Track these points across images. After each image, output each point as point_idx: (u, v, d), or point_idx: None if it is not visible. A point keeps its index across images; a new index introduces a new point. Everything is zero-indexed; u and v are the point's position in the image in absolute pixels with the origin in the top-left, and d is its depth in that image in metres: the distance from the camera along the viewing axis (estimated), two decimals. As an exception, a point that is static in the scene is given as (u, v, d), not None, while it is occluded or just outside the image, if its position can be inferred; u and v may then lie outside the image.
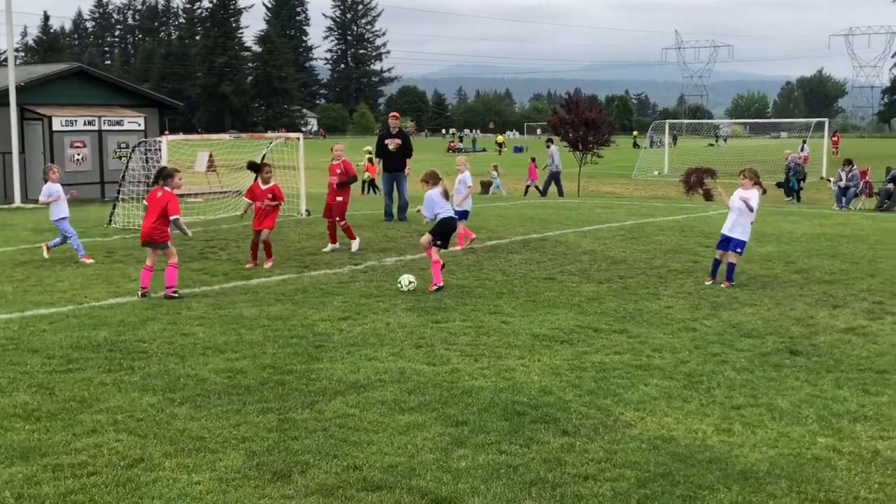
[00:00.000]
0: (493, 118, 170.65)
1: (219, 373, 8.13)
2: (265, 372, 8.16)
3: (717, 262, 12.71)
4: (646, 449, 6.26)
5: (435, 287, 12.01)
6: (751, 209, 12.45)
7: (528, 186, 34.40)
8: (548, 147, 34.46)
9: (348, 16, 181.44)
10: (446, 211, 12.51)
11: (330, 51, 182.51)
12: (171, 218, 11.96)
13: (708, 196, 32.12)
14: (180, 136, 25.69)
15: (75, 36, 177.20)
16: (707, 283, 12.53)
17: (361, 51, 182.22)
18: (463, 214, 16.24)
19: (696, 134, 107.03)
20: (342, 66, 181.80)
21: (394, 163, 19.64)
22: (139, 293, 11.80)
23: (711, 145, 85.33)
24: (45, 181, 15.64)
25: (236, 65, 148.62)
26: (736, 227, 12.54)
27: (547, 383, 7.76)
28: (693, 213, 22.28)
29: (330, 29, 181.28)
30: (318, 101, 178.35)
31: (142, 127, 29.09)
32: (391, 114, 21.01)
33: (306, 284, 12.62)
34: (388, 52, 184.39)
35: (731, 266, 12.48)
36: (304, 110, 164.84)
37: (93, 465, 5.94)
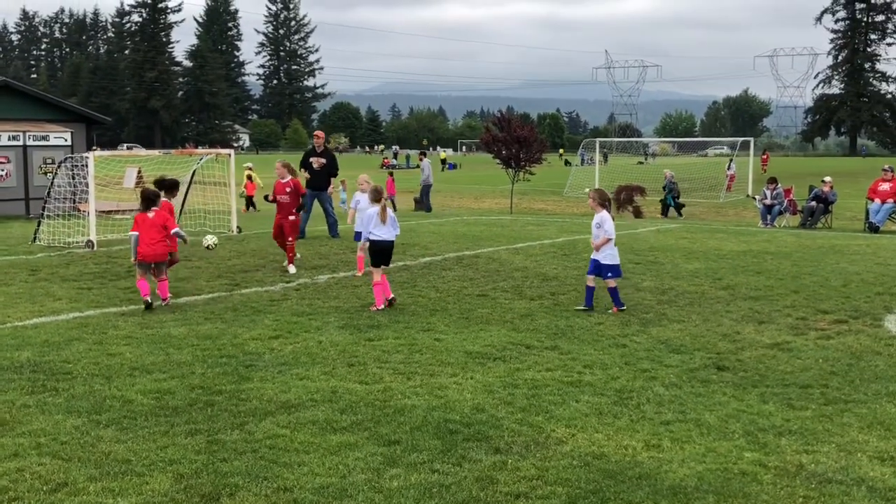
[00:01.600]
0: (426, 135, 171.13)
1: (146, 394, 7.98)
2: (193, 392, 8.02)
3: (590, 289, 12.01)
4: (577, 466, 6.29)
5: (375, 308, 11.93)
6: (606, 232, 11.96)
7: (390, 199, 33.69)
8: (420, 161, 35.27)
9: (281, 31, 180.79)
10: (378, 233, 12.25)
11: (262, 66, 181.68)
12: (172, 232, 12.55)
13: (637, 213, 32.61)
14: (108, 152, 25.20)
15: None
16: (578, 308, 11.94)
17: (294, 66, 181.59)
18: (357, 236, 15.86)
19: (626, 152, 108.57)
20: (275, 81, 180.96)
21: (317, 181, 19.97)
22: (147, 304, 11.95)
23: (641, 163, 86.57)
24: None
25: (166, 79, 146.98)
26: (602, 251, 11.98)
27: (479, 401, 7.77)
28: (623, 230, 22.53)
29: (262, 44, 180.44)
30: (250, 117, 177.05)
31: (69, 142, 28.48)
32: (315, 133, 21.36)
33: (237, 302, 12.47)
34: (321, 69, 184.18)
35: (612, 291, 11.89)
36: (236, 126, 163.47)
37: (14, 489, 5.78)
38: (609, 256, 11.98)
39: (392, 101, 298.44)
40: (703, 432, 7.07)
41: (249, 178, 32.25)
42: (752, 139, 52.79)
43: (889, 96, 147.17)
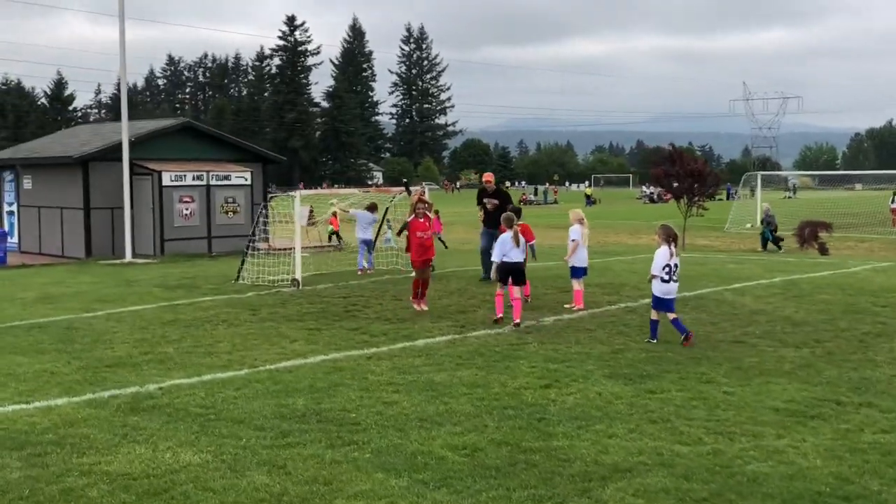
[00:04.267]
0: (556, 170, 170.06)
1: (453, 449, 7.41)
2: (503, 449, 7.42)
3: (655, 323, 12.32)
4: None
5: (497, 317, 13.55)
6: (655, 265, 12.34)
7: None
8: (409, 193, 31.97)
9: (413, 71, 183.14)
10: (510, 255, 13.53)
11: (395, 105, 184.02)
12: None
13: (823, 250, 30.91)
14: (310, 191, 25.28)
15: (147, 93, 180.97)
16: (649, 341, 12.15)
17: (426, 105, 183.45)
18: (575, 272, 15.26)
19: (769, 186, 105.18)
20: (407, 120, 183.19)
21: (492, 221, 18.69)
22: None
23: (788, 198, 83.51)
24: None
25: (305, 120, 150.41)
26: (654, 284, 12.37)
27: (835, 469, 6.89)
28: (837, 268, 21.20)
29: (395, 84, 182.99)
30: (383, 155, 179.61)
31: (248, 182, 28.87)
32: (485, 175, 20.06)
33: (477, 346, 11.90)
34: (451, 106, 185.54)
35: (675, 322, 12.23)
36: (370, 164, 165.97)
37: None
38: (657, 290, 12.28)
39: (518, 137, 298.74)
40: None
41: (334, 214, 32.18)
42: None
43: None
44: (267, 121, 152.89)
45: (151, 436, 7.88)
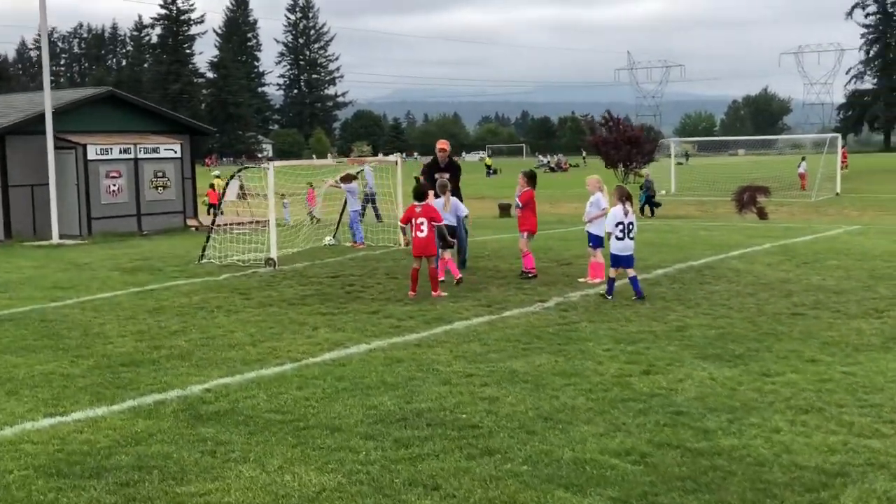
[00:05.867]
0: (448, 141, 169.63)
1: (616, 455, 6.39)
2: (672, 453, 6.43)
3: (612, 281, 12.78)
4: None
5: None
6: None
7: (310, 213, 27.03)
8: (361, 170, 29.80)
9: (300, 41, 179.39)
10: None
11: (282, 76, 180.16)
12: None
13: (762, 215, 30.85)
14: (286, 162, 23.53)
15: (19, 65, 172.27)
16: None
17: (314, 75, 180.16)
18: (596, 240, 14.36)
19: (659, 154, 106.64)
20: (295, 91, 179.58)
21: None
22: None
23: (680, 164, 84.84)
24: None
25: (191, 91, 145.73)
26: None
27: None
28: (815, 233, 20.96)
29: (282, 54, 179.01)
30: (271, 127, 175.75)
31: (178, 154, 26.99)
32: (439, 143, 16.84)
33: (524, 327, 10.88)
34: (341, 77, 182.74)
35: (633, 280, 12.75)
36: (260, 136, 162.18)
37: None
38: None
39: (406, 108, 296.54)
40: None
41: (212, 186, 30.82)
42: (839, 136, 50.86)
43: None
44: (149, 92, 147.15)
45: (247, 452, 6.60)
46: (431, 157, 17.55)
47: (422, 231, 13.32)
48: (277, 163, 17.93)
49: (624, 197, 12.74)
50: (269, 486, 5.94)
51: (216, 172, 33.98)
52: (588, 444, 6.64)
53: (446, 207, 14.55)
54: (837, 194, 43.88)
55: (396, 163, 19.40)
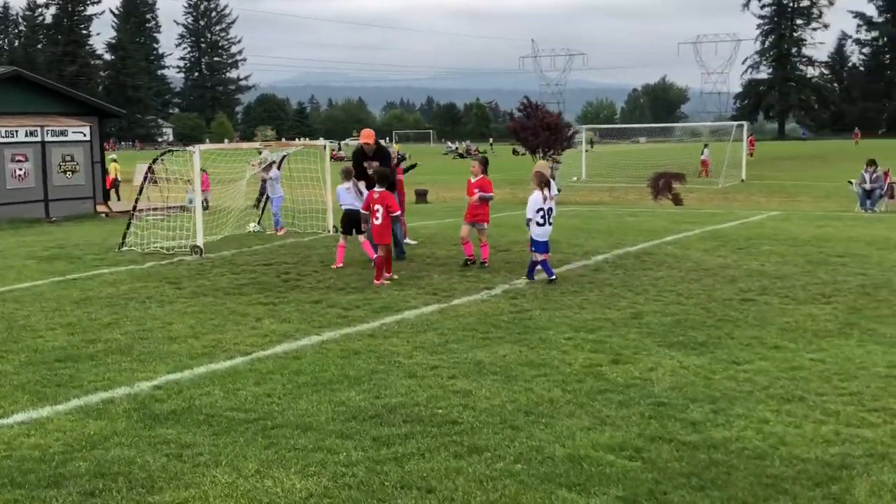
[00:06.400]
0: (355, 126, 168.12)
1: (610, 450, 6.13)
2: (667, 447, 6.20)
3: (534, 264, 12.86)
4: None
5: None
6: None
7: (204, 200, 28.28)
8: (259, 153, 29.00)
9: (201, 23, 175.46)
10: (353, 205, 14.13)
11: (183, 58, 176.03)
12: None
13: (677, 201, 31.26)
14: (213, 146, 22.55)
15: None
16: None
17: (216, 58, 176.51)
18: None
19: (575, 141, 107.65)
20: (196, 73, 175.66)
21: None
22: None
23: (587, 150, 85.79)
24: None
25: (88, 73, 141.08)
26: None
27: None
28: (738, 219, 21.18)
29: (182, 36, 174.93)
30: (171, 111, 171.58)
31: (87, 137, 25.81)
32: (363, 132, 15.86)
33: (477, 316, 10.57)
34: (244, 60, 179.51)
35: (544, 263, 12.78)
36: (160, 120, 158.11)
37: None
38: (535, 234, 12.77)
39: (309, 93, 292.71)
40: None
41: (106, 171, 30.08)
42: (745, 123, 51.93)
43: (815, 80, 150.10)
44: (44, 74, 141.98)
45: (217, 455, 6.12)
46: (357, 146, 16.82)
47: (377, 218, 13.01)
48: (204, 146, 17.17)
49: (543, 183, 12.86)
50: (251, 492, 5.49)
51: (113, 156, 32.84)
52: (577, 439, 6.36)
53: (357, 191, 14.42)
54: (743, 181, 44.82)
55: (324, 147, 18.82)
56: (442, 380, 7.93)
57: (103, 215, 25.97)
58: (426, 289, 12.45)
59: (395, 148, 25.07)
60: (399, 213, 13.29)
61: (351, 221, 14.16)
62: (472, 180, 14.39)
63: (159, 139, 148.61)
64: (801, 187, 39.43)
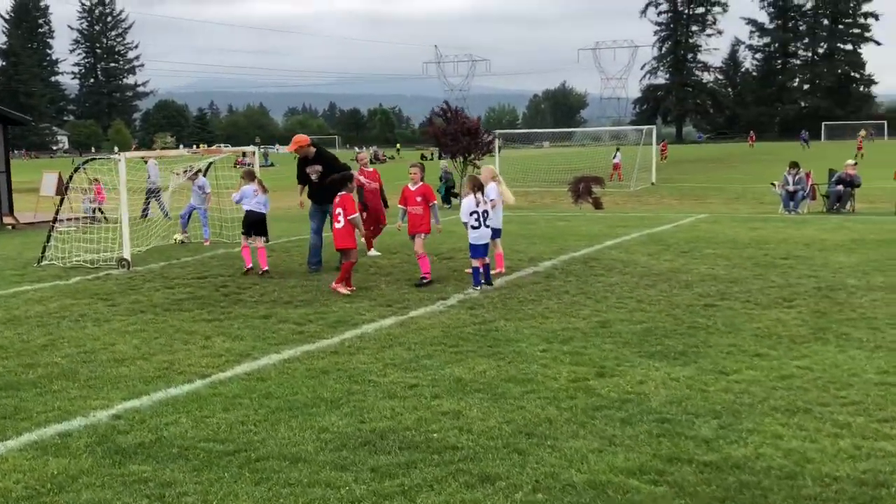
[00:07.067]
0: (258, 133, 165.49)
1: (629, 474, 5.73)
2: (687, 468, 5.84)
3: (477, 270, 12.64)
4: None
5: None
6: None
7: (97, 210, 25.09)
8: (145, 162, 25.33)
9: (97, 28, 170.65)
10: (254, 206, 14.41)
11: (77, 64, 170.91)
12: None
13: (598, 205, 31.25)
14: (137, 153, 21.35)
15: None
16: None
17: (112, 64, 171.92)
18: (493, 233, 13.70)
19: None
20: (92, 80, 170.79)
21: (322, 194, 14.48)
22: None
23: (491, 154, 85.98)
24: None
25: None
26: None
27: None
28: (671, 222, 21.17)
29: (77, 41, 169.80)
30: (66, 118, 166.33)
31: (-9, 145, 24.46)
32: (295, 139, 14.96)
33: (440, 328, 10.10)
34: (141, 66, 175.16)
35: (485, 268, 12.74)
36: (54, 127, 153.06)
37: None
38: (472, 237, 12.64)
39: (209, 99, 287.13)
40: None
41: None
42: (654, 127, 52.58)
43: (710, 85, 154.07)
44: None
45: (206, 495, 5.51)
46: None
47: (339, 222, 12.55)
48: (129, 154, 16.22)
49: (476, 187, 12.73)
50: (255, 539, 4.91)
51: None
52: (592, 462, 5.94)
53: (258, 194, 14.53)
54: (653, 184, 45.34)
55: (254, 153, 18.07)
56: (426, 400, 7.43)
57: (10, 227, 24.67)
58: (378, 300, 11.93)
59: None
60: (356, 215, 12.65)
61: (252, 223, 14.37)
62: (412, 188, 13.55)
63: (54, 147, 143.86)
64: (709, 189, 40.00)
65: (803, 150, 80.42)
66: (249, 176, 14.93)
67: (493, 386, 7.79)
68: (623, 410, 7.03)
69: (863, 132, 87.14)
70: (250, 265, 14.29)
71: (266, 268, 14.16)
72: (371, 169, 16.41)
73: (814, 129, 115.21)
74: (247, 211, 14.48)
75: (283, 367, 8.60)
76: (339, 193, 12.66)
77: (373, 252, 16.23)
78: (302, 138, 15.01)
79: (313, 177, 14.84)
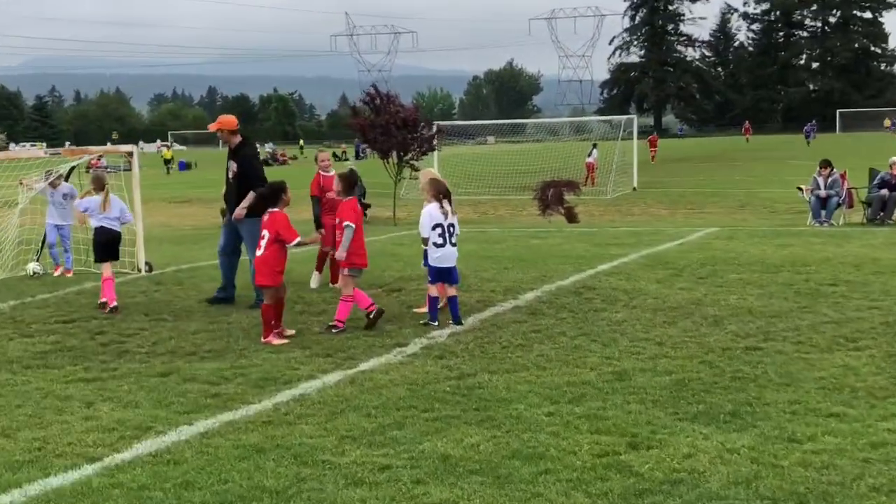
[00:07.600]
0: (115, 127, 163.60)
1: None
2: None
3: (435, 300, 12.75)
4: None
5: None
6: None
7: None
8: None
9: None
10: (101, 222, 14.42)
11: None
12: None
13: (571, 216, 31.22)
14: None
15: None
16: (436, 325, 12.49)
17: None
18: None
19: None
20: None
21: (233, 201, 14.34)
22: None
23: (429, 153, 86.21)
24: None
25: None
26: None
27: None
28: (673, 239, 21.18)
29: None
30: None
31: None
32: (221, 120, 14.81)
33: (403, 385, 9.75)
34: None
35: (453, 301, 12.72)
36: None
37: None
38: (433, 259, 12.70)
39: (49, 83, 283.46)
40: None
41: None
42: (634, 117, 52.99)
43: (696, 64, 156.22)
44: None
45: None
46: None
47: (259, 248, 12.14)
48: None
49: (440, 193, 12.66)
50: None
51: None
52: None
53: (105, 207, 14.44)
54: (635, 189, 45.63)
55: (132, 153, 17.57)
56: (405, 487, 7.04)
57: None
58: (314, 348, 11.53)
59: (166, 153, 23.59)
60: (296, 240, 12.11)
61: (105, 245, 14.45)
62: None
63: None
64: (705, 195, 40.48)
65: (808, 146, 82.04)
66: (97, 183, 14.83)
67: (492, 465, 7.44)
68: (675, 497, 6.72)
69: (887, 121, 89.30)
70: (114, 303, 14.17)
71: (114, 304, 14.04)
72: (331, 174, 15.85)
73: (826, 117, 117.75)
74: (95, 228, 14.45)
75: (202, 444, 8.14)
76: (269, 210, 12.22)
77: (318, 279, 16.15)
78: (228, 120, 14.75)
79: (229, 174, 14.61)
